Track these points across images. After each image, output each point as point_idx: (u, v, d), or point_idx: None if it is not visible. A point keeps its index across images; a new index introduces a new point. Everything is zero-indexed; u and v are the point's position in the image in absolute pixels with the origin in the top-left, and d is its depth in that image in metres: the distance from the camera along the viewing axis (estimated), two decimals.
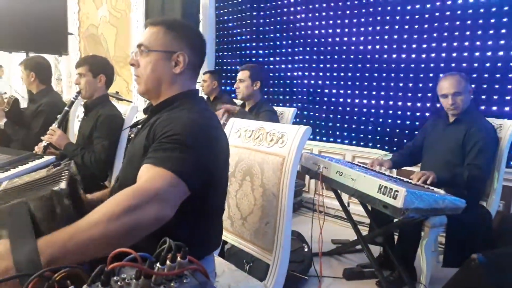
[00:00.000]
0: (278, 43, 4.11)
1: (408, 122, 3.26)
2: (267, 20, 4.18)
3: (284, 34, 4.05)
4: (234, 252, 2.17)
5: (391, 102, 3.35)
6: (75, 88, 2.44)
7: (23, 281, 0.63)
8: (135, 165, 1.03)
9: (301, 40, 3.91)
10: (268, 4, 4.16)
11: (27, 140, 2.58)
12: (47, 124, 2.45)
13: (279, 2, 4.05)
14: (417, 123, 3.17)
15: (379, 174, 2.20)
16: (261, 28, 4.24)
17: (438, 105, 2.87)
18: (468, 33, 2.89)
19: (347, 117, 3.66)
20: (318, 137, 3.88)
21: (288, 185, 1.34)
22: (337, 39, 3.64)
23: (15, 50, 4.00)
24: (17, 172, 1.60)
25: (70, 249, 0.78)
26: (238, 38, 4.48)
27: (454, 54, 2.96)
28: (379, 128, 3.45)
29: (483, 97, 2.83)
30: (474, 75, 2.83)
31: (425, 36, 3.11)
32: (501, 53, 2.75)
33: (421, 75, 3.15)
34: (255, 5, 4.27)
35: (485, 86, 2.82)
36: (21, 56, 3.78)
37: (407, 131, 3.26)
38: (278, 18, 4.09)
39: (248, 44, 4.39)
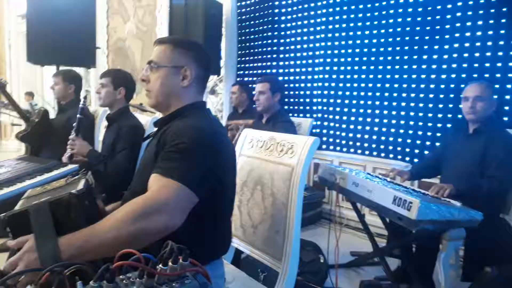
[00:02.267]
0: (298, 54, 4.16)
1: (429, 134, 3.22)
2: (288, 32, 4.24)
3: (305, 46, 4.09)
4: (249, 261, 2.19)
5: (412, 113, 3.33)
6: None
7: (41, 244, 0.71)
8: (147, 173, 1.09)
9: (321, 52, 3.94)
10: (289, 16, 4.22)
11: (58, 150, 2.67)
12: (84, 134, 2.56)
13: (299, 14, 4.11)
14: (438, 134, 3.13)
15: (396, 186, 2.19)
16: (281, 40, 4.31)
17: (459, 116, 2.84)
18: (489, 43, 2.85)
19: (367, 127, 3.65)
20: (338, 148, 3.88)
21: (297, 195, 1.37)
22: (357, 50, 3.66)
23: (47, 64, 4.19)
24: (42, 179, 1.70)
25: (86, 250, 0.88)
26: (259, 50, 4.55)
27: (476, 65, 2.92)
28: (400, 139, 3.42)
29: (506, 108, 2.77)
30: (497, 86, 2.78)
31: (446, 46, 3.08)
32: None
33: (443, 86, 3.12)
34: (276, 17, 4.34)
35: (508, 96, 2.76)
36: (52, 69, 3.96)
37: (428, 142, 3.22)
38: (299, 30, 4.14)
39: (269, 56, 4.46)
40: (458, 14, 3.00)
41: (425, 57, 3.21)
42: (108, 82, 2.41)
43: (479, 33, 2.89)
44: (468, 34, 2.95)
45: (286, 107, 4.26)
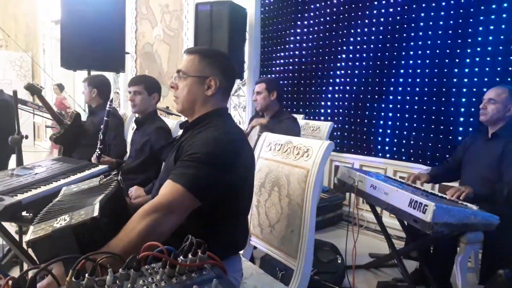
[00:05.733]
0: (320, 58, 4.21)
1: (450, 137, 3.21)
2: (310, 36, 4.30)
3: (327, 50, 4.14)
4: (268, 260, 2.28)
5: (433, 117, 3.33)
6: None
7: (69, 266, 0.79)
8: (167, 176, 1.20)
9: (343, 55, 3.99)
10: (311, 21, 4.28)
11: (89, 150, 2.83)
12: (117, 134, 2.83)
13: (322, 19, 4.16)
14: (459, 138, 3.12)
15: (413, 189, 2.21)
16: (304, 44, 4.37)
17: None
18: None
19: (388, 131, 3.67)
20: (359, 151, 3.91)
21: (312, 196, 1.44)
22: (378, 53, 3.68)
23: (79, 69, 4.39)
24: (76, 179, 1.83)
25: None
26: (282, 54, 4.63)
27: (499, 68, 2.91)
28: (421, 143, 3.43)
29: None
30: None
31: (468, 50, 3.08)
32: None
33: (464, 90, 3.11)
34: (298, 22, 4.41)
35: None
36: (84, 74, 4.16)
37: (449, 146, 3.21)
38: (321, 34, 4.18)
39: (291, 60, 4.53)
40: (481, 17, 3.00)
41: (446, 61, 3.21)
42: (142, 89, 2.49)
43: (502, 37, 2.88)
44: (490, 38, 2.94)
45: (307, 110, 4.33)
